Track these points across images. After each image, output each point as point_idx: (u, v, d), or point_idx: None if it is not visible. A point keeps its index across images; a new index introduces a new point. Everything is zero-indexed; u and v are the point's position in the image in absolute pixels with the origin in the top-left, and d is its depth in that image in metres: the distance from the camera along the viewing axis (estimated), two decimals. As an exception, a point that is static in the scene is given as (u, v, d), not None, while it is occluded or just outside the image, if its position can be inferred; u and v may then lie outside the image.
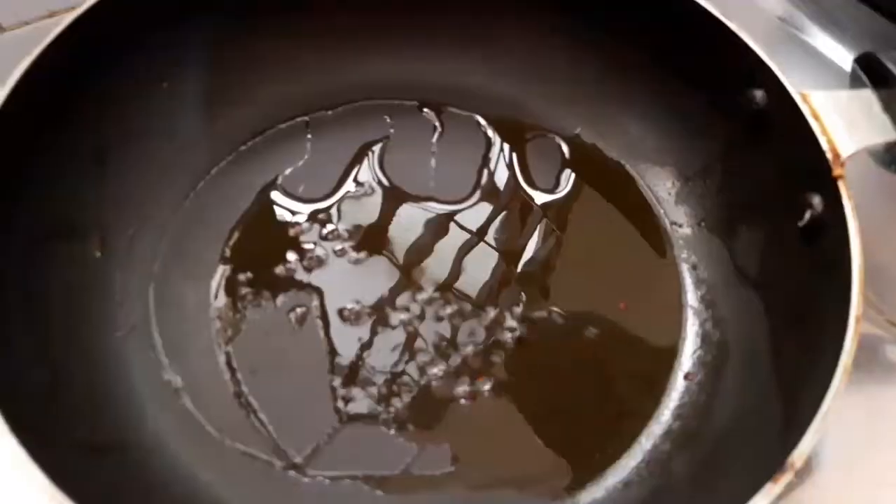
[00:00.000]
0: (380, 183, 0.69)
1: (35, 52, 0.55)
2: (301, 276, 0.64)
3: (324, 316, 0.62)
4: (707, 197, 0.67)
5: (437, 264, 0.66)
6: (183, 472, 0.55)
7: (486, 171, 0.70)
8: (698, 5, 0.61)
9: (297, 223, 0.67)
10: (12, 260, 0.54)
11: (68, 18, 0.57)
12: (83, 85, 0.60)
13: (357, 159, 0.70)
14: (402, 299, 0.64)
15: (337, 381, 0.60)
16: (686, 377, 0.61)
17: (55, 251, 0.58)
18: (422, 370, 0.61)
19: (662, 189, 0.70)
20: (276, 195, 0.68)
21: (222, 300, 0.62)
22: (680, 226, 0.68)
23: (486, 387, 0.60)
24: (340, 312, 0.63)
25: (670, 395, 0.61)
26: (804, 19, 0.82)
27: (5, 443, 0.44)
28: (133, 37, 0.62)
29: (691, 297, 0.65)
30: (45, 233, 0.57)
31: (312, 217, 0.67)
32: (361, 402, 0.59)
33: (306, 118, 0.71)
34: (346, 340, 0.61)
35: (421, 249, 0.66)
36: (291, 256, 0.65)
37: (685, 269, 0.66)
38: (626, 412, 0.60)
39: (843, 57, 0.77)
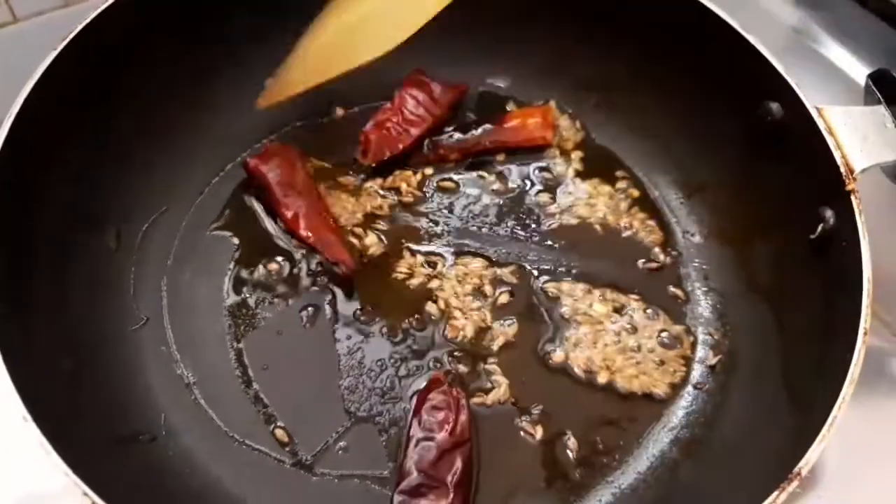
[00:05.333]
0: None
1: (58, 47, 0.56)
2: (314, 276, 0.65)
3: (335, 316, 0.63)
4: (721, 206, 0.68)
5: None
6: (196, 466, 0.56)
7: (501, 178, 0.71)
8: (719, 18, 0.62)
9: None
10: (37, 251, 0.55)
11: (86, 12, 0.58)
12: (106, 81, 0.61)
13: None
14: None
15: (347, 382, 0.60)
16: (696, 386, 0.62)
17: (75, 243, 0.59)
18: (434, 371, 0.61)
19: (675, 198, 0.70)
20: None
21: (234, 297, 0.63)
22: (692, 235, 0.69)
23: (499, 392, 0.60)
24: (353, 313, 0.63)
25: (680, 403, 0.61)
26: (819, 31, 0.83)
27: (30, 431, 0.44)
28: (157, 34, 0.63)
29: (703, 306, 0.65)
30: (66, 225, 0.58)
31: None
32: (371, 403, 0.59)
33: (322, 119, 0.72)
34: (357, 341, 0.62)
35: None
36: (304, 256, 0.66)
37: (697, 278, 0.67)
38: (636, 419, 0.60)
39: (858, 70, 0.77)
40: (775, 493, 0.45)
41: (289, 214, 0.64)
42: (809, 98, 0.58)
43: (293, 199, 0.65)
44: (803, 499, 0.60)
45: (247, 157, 0.67)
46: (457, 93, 0.72)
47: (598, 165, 0.72)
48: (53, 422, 0.45)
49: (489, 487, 0.56)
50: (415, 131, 0.69)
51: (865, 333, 0.50)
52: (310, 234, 0.64)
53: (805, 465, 0.46)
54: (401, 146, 0.69)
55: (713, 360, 0.62)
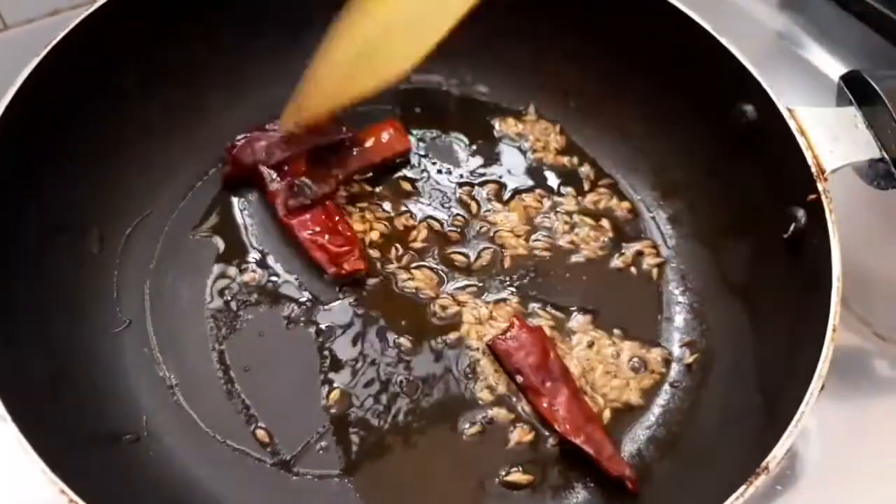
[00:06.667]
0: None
1: (42, 52, 0.57)
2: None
3: (317, 318, 0.63)
4: (697, 207, 0.68)
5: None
6: (177, 467, 0.56)
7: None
8: (693, 20, 0.63)
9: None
10: (20, 253, 0.56)
11: (74, 19, 0.59)
12: (87, 86, 0.61)
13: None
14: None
15: (328, 382, 0.60)
16: (672, 385, 0.62)
17: (58, 246, 0.59)
18: (414, 372, 0.61)
19: (652, 200, 0.71)
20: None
21: (217, 300, 0.63)
22: (670, 236, 0.69)
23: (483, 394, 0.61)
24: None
25: (657, 402, 0.62)
26: (802, 35, 0.84)
27: (8, 431, 0.45)
28: (137, 39, 0.64)
29: (680, 306, 0.66)
30: (48, 228, 0.59)
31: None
32: (352, 403, 0.60)
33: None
34: (340, 342, 0.62)
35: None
36: (286, 258, 0.66)
37: (674, 278, 0.67)
38: (614, 418, 0.61)
39: (837, 72, 0.78)
40: (742, 486, 0.45)
41: (544, 403, 0.59)
42: (793, 101, 0.59)
43: (552, 386, 0.59)
44: (784, 497, 0.60)
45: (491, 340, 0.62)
46: None
47: (578, 169, 0.73)
48: (33, 421, 0.46)
49: (463, 482, 0.57)
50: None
51: (834, 331, 0.50)
52: (579, 436, 0.57)
53: (772, 459, 0.46)
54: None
55: (690, 359, 0.63)
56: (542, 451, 0.59)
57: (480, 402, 0.60)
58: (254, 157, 0.66)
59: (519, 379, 0.60)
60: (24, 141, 0.57)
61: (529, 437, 0.59)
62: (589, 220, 0.69)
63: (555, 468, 0.58)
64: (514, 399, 0.61)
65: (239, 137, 0.67)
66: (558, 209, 0.70)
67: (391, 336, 0.63)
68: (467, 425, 0.59)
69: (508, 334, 0.61)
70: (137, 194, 0.66)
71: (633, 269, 0.67)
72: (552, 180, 0.72)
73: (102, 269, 0.62)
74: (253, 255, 0.66)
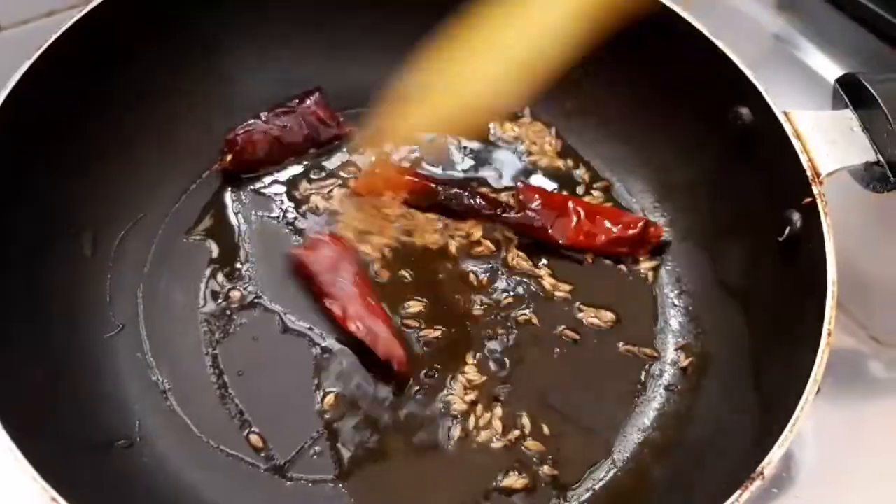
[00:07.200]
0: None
1: (34, 54, 0.57)
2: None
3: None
4: (692, 210, 0.68)
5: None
6: (169, 472, 0.56)
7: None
8: (690, 24, 0.63)
9: (287, 228, 0.68)
10: (12, 257, 0.56)
11: (67, 22, 0.59)
12: (81, 88, 0.61)
13: (351, 164, 0.71)
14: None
15: (322, 387, 0.60)
16: (668, 388, 0.62)
17: (51, 250, 0.59)
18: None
19: (649, 202, 0.71)
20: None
21: (210, 304, 0.63)
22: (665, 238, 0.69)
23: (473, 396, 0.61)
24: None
25: (652, 405, 0.61)
26: (800, 38, 0.84)
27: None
28: (131, 40, 0.64)
29: (675, 309, 0.66)
30: (42, 232, 0.59)
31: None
32: (347, 408, 0.59)
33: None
34: (334, 345, 0.62)
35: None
36: (281, 261, 0.66)
37: (669, 281, 0.67)
38: (609, 421, 0.61)
39: (834, 74, 0.78)
40: (738, 491, 0.45)
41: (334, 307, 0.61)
42: (789, 103, 0.59)
43: (339, 290, 0.62)
44: (780, 499, 0.60)
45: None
46: None
47: (574, 171, 0.72)
48: (24, 427, 0.46)
49: (459, 488, 0.57)
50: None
51: (830, 335, 0.50)
52: (358, 326, 0.60)
53: (767, 464, 0.46)
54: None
55: (685, 363, 0.63)
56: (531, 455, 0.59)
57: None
58: (254, 147, 0.68)
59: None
60: (17, 143, 0.56)
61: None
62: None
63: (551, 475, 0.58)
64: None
65: (239, 128, 0.68)
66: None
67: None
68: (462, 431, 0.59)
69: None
70: (131, 197, 0.65)
71: (628, 272, 0.67)
72: (547, 183, 0.72)
73: (95, 273, 0.62)
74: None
